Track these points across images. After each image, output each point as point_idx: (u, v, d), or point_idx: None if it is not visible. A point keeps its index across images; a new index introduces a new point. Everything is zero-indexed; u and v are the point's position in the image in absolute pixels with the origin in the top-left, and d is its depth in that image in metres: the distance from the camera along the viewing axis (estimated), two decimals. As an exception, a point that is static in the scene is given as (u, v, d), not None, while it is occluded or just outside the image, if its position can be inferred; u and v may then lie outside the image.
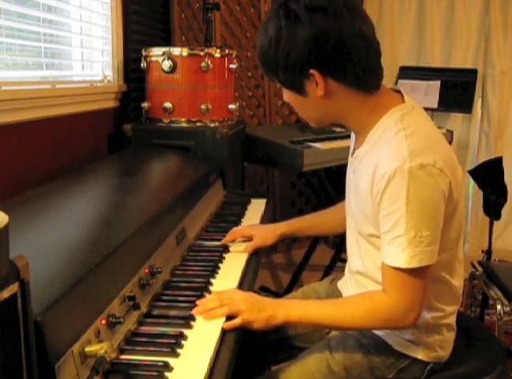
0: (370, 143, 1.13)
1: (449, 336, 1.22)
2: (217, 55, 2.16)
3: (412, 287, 1.05)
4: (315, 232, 1.66)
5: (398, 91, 1.18)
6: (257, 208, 1.89)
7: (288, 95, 1.18)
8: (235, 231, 1.55)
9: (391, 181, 1.01)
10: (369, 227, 1.13)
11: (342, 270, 1.42)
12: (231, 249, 1.48)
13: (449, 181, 1.04)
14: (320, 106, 1.15)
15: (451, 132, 3.25)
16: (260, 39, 1.13)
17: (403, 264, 1.03)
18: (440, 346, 1.19)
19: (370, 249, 1.17)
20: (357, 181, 1.17)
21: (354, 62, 1.07)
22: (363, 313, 1.11)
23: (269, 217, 1.86)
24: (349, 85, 1.10)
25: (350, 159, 1.27)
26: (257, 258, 1.48)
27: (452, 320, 1.22)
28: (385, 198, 1.03)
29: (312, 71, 1.08)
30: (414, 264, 1.02)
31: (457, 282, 1.19)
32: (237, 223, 1.67)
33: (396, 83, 3.35)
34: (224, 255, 1.41)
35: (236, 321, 1.06)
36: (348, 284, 1.34)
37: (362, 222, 1.16)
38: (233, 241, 1.52)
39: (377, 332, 1.21)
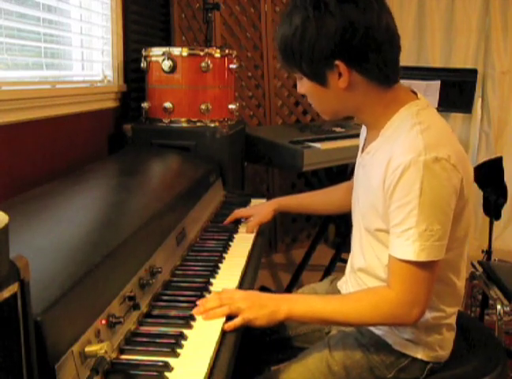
0: (385, 137, 1.14)
1: (449, 336, 1.22)
2: (217, 55, 2.16)
3: (418, 281, 1.05)
4: (305, 211, 1.90)
5: (412, 91, 1.19)
6: (257, 208, 1.88)
7: (306, 87, 1.17)
8: (237, 213, 1.68)
9: (405, 172, 1.02)
10: (377, 221, 1.13)
11: (342, 270, 1.42)
12: (235, 236, 1.57)
13: (461, 178, 1.04)
14: (339, 99, 1.15)
15: (451, 132, 3.25)
16: (282, 29, 1.12)
17: (412, 256, 1.03)
18: (440, 345, 1.19)
19: (375, 244, 1.17)
20: (368, 175, 1.17)
21: (379, 55, 1.08)
22: (367, 307, 1.10)
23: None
24: (371, 78, 1.11)
25: (360, 154, 1.27)
26: (257, 258, 1.48)
27: (452, 320, 1.22)
28: (398, 190, 1.04)
29: (337, 62, 1.08)
30: (422, 258, 1.02)
31: (461, 282, 1.19)
32: (237, 222, 1.67)
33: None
34: (224, 255, 1.41)
35: (237, 321, 1.06)
36: (348, 283, 1.34)
37: (370, 216, 1.16)
38: (239, 222, 1.67)
39: (376, 331, 1.21)
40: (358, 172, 1.27)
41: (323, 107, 1.21)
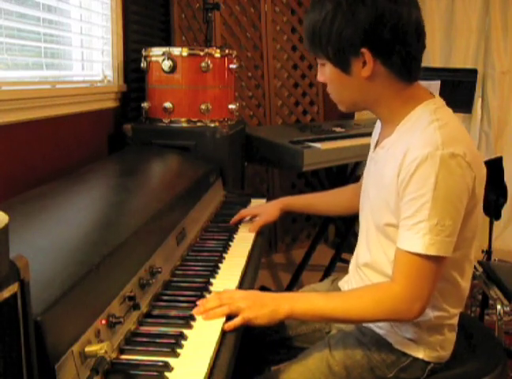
0: (401, 132, 1.14)
1: (451, 336, 1.22)
2: (217, 55, 2.16)
3: (423, 275, 1.05)
4: (311, 211, 1.85)
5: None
6: (257, 208, 1.88)
7: (328, 73, 1.18)
8: (242, 212, 1.67)
9: (421, 165, 1.02)
10: (388, 215, 1.13)
11: (342, 270, 1.42)
12: (236, 236, 1.57)
13: (474, 177, 1.05)
14: (359, 89, 1.16)
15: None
16: (312, 14, 1.14)
17: (420, 249, 1.03)
18: (441, 346, 1.19)
19: (383, 240, 1.17)
20: (381, 170, 1.17)
21: (404, 48, 1.09)
22: (369, 303, 1.10)
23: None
24: (393, 71, 1.12)
25: (372, 150, 1.28)
26: (257, 258, 1.48)
27: (455, 321, 1.22)
28: (412, 182, 1.04)
29: (363, 50, 1.09)
30: (431, 252, 1.02)
31: (465, 283, 1.19)
32: (237, 223, 1.67)
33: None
34: (224, 255, 1.41)
35: (237, 321, 1.06)
36: (351, 280, 1.34)
37: (381, 211, 1.16)
38: (240, 222, 1.66)
39: (377, 331, 1.21)
40: (369, 168, 1.27)
41: (342, 96, 1.21)
